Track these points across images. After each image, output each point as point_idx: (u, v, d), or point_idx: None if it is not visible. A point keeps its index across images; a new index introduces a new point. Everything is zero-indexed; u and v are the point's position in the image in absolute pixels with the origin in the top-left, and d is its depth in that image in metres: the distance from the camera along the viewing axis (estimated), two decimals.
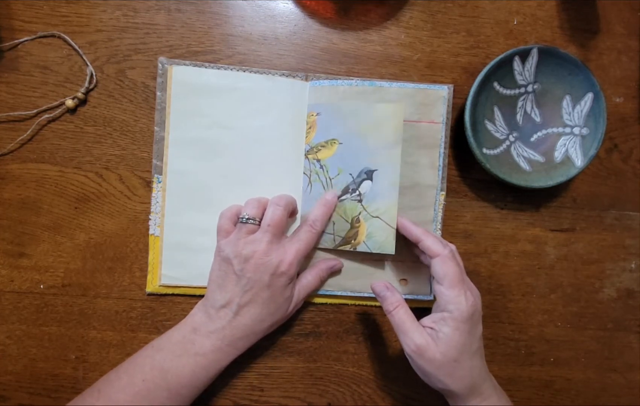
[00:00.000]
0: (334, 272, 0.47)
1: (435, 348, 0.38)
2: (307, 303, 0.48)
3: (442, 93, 0.46)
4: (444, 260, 0.39)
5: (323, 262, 0.46)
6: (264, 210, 0.43)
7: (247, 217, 0.42)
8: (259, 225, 0.42)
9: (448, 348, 0.38)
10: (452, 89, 0.47)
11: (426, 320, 0.40)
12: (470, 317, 0.38)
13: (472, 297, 0.39)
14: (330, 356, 0.48)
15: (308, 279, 0.45)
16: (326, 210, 0.44)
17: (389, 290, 0.42)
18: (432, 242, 0.40)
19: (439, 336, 0.39)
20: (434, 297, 0.40)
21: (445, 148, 0.47)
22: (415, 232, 0.42)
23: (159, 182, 0.46)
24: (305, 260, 0.46)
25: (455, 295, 0.38)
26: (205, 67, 0.46)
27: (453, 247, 0.41)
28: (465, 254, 0.49)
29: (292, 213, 0.45)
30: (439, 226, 0.48)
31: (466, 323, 0.38)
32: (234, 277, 0.41)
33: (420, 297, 0.48)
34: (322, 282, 0.47)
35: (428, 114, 0.46)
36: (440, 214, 0.48)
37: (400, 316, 0.40)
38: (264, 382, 0.48)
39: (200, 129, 0.46)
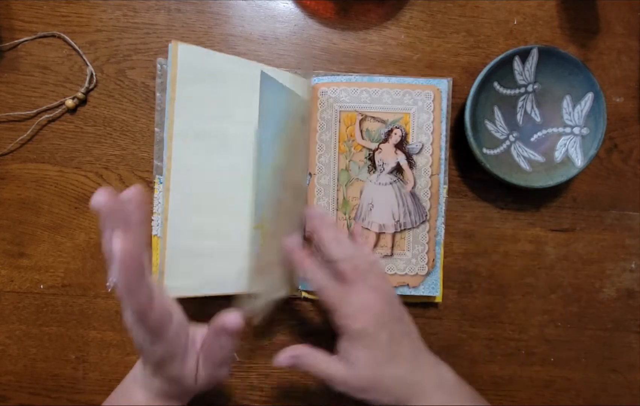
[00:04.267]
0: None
1: (347, 374, 0.37)
2: (307, 303, 0.48)
3: (441, 86, 0.47)
4: (321, 291, 0.38)
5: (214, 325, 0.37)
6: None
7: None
8: None
9: (359, 369, 0.37)
10: (451, 82, 0.47)
11: (339, 345, 0.38)
12: (363, 330, 0.37)
13: (359, 312, 0.37)
14: None
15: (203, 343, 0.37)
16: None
17: (292, 358, 0.39)
18: (310, 273, 0.38)
19: (350, 360, 0.37)
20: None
21: (446, 141, 0.47)
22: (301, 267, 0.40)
23: (161, 183, 0.46)
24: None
25: (338, 318, 0.37)
26: (213, 51, 0.43)
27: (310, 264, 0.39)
28: (465, 254, 0.49)
29: None
30: (443, 220, 0.48)
31: (365, 338, 0.37)
32: None
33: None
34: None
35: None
36: (443, 207, 0.47)
37: (308, 364, 0.38)
38: (264, 382, 0.48)
39: (207, 120, 0.42)
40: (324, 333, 0.48)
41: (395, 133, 0.47)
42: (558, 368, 0.50)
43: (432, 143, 0.47)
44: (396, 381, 0.37)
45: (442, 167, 0.47)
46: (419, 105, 0.47)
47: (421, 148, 0.47)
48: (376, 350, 0.37)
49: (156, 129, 0.46)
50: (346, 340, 0.38)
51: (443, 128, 0.47)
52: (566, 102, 0.47)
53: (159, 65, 0.46)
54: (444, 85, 0.47)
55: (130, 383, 0.40)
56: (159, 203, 0.46)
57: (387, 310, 0.38)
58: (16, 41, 0.46)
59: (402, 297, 0.48)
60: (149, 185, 0.47)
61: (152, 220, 0.46)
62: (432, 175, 0.47)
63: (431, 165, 0.47)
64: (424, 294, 0.47)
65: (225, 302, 0.40)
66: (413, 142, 0.47)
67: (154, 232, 0.46)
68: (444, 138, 0.47)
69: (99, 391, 0.46)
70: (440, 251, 0.47)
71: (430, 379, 0.38)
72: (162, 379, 0.36)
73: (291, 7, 0.48)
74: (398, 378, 0.37)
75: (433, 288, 0.47)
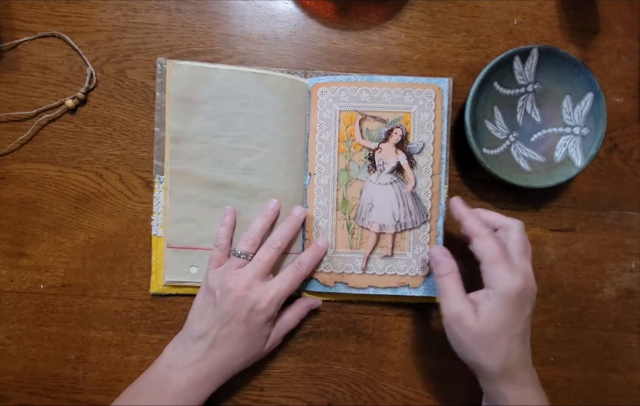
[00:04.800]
0: (313, 310, 0.48)
1: (474, 319, 0.38)
2: None
3: (442, 86, 0.47)
4: (481, 239, 0.39)
5: (304, 300, 0.47)
6: (259, 247, 0.44)
7: (239, 252, 0.43)
8: (250, 261, 0.43)
9: (487, 322, 0.38)
10: (451, 81, 0.47)
11: (473, 294, 0.40)
12: (516, 296, 0.38)
13: (518, 276, 0.38)
14: (330, 356, 0.48)
15: (288, 317, 0.46)
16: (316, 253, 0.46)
17: (445, 256, 0.42)
18: (472, 222, 0.41)
19: (480, 310, 0.38)
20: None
21: (447, 140, 0.47)
22: (460, 211, 0.42)
23: (161, 182, 0.46)
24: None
25: (498, 273, 0.38)
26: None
27: (490, 227, 0.41)
28: (465, 254, 0.49)
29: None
30: (443, 221, 0.47)
31: (509, 301, 0.38)
32: (214, 308, 0.42)
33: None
34: (301, 319, 0.47)
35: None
36: (444, 208, 0.47)
37: (447, 283, 0.40)
38: (264, 382, 0.48)
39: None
40: (324, 333, 0.48)
41: (396, 133, 0.47)
42: (558, 368, 0.50)
43: (433, 143, 0.47)
44: (507, 353, 0.38)
45: (443, 166, 0.47)
46: (419, 104, 0.47)
47: (422, 148, 0.47)
48: (509, 316, 0.38)
49: (156, 129, 0.46)
50: (486, 294, 0.39)
51: (444, 127, 0.47)
52: (566, 102, 0.47)
53: (159, 65, 0.46)
54: (445, 84, 0.47)
55: (165, 372, 0.41)
56: (159, 202, 0.46)
57: (533, 292, 0.40)
58: (16, 41, 0.45)
59: (403, 297, 0.48)
60: (149, 185, 0.47)
61: (152, 220, 0.46)
62: (433, 174, 0.47)
63: (432, 164, 0.47)
64: (425, 295, 0.47)
65: None
66: (414, 141, 0.47)
67: (153, 232, 0.46)
68: (445, 138, 0.47)
69: (99, 391, 0.46)
70: None
71: (529, 371, 0.40)
72: (233, 357, 0.42)
73: (291, 7, 0.48)
74: (512, 353, 0.38)
75: (434, 289, 0.47)
